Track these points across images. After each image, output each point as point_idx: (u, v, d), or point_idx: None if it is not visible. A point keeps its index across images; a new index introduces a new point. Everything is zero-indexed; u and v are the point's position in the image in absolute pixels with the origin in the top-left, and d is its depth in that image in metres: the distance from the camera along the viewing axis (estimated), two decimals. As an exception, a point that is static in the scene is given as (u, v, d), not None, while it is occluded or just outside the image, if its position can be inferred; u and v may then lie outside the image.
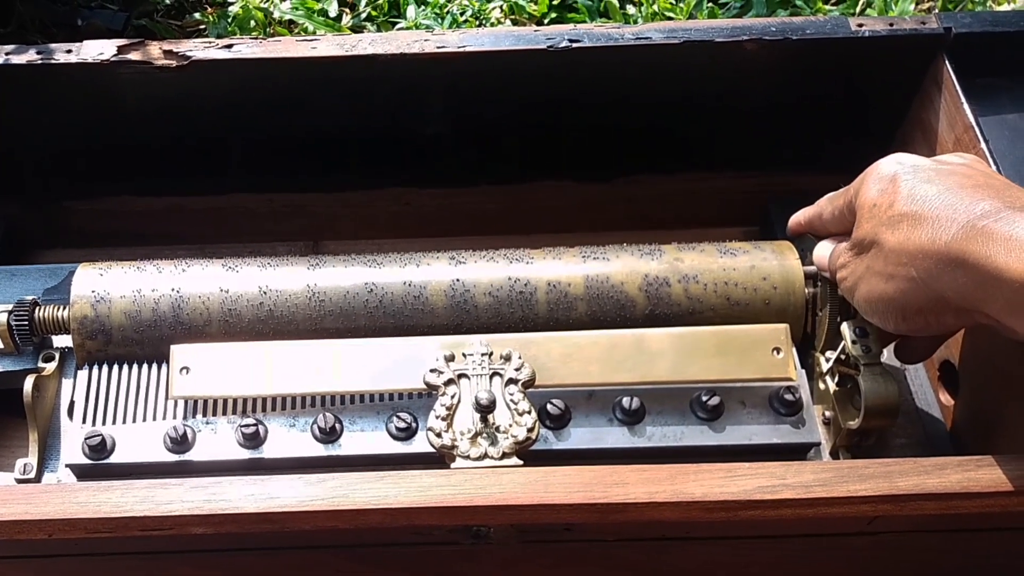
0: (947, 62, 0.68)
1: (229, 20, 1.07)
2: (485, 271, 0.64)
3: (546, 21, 1.06)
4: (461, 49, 0.68)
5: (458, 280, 0.64)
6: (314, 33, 1.04)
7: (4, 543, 0.49)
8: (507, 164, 0.76)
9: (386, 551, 0.54)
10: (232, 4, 1.08)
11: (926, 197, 0.51)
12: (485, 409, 0.56)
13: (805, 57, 0.70)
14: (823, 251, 0.62)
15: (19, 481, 0.61)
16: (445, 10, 1.07)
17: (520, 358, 0.59)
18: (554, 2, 1.07)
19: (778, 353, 0.61)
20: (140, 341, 0.63)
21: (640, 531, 0.52)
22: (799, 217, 0.64)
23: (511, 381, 0.59)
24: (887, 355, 0.61)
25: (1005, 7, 1.11)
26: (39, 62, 0.66)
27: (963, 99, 0.66)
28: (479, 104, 0.72)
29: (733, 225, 0.78)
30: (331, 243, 0.79)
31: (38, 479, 0.61)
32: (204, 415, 0.61)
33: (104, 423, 0.61)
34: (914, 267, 0.51)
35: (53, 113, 0.70)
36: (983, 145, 0.64)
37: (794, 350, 0.62)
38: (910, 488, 0.49)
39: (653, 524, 0.50)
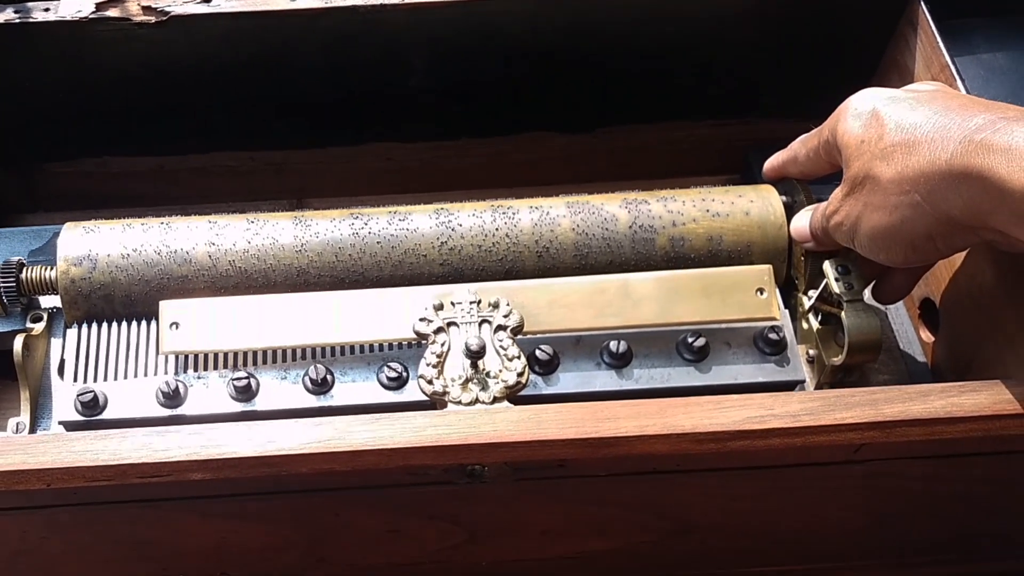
0: (922, 3, 0.69)
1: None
2: (468, 204, 0.66)
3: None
4: (443, -1, 0.68)
5: (442, 208, 0.65)
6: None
7: (3, 494, 0.49)
8: (489, 117, 0.76)
9: (382, 493, 0.54)
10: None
11: (916, 124, 0.51)
12: (475, 355, 0.57)
13: (781, 2, 0.70)
14: (801, 220, 0.62)
15: (12, 440, 0.61)
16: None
17: (508, 305, 0.60)
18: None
19: (762, 294, 0.62)
20: (126, 267, 0.62)
21: (632, 465, 0.53)
22: (773, 161, 0.65)
23: (500, 328, 0.59)
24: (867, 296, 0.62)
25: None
26: (17, 21, 0.66)
27: (939, 40, 0.67)
28: (461, 56, 0.72)
29: (714, 174, 0.79)
30: (314, 200, 0.79)
31: (31, 437, 0.61)
32: (195, 370, 0.61)
33: (95, 381, 0.61)
34: (917, 192, 0.51)
35: (32, 73, 0.70)
36: (959, 84, 0.65)
37: (777, 291, 0.63)
38: (895, 415, 0.50)
39: (644, 458, 0.51)
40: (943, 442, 0.51)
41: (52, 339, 0.64)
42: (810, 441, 0.50)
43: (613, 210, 0.65)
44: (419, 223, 0.64)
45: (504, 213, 0.65)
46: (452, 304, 0.60)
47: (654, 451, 0.50)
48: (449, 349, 0.58)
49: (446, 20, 0.69)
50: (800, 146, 0.62)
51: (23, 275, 0.63)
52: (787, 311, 0.64)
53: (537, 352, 0.61)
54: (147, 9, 0.67)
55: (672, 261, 0.64)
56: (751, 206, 0.65)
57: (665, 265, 0.64)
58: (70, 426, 0.60)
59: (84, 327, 0.63)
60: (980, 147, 0.48)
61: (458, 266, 0.64)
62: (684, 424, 0.50)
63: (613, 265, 0.64)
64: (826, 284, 0.61)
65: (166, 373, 0.61)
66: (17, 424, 0.62)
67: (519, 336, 0.59)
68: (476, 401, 0.57)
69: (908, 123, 0.52)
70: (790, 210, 0.65)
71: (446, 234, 0.64)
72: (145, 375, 0.61)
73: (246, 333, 0.60)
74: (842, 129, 0.56)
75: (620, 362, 0.62)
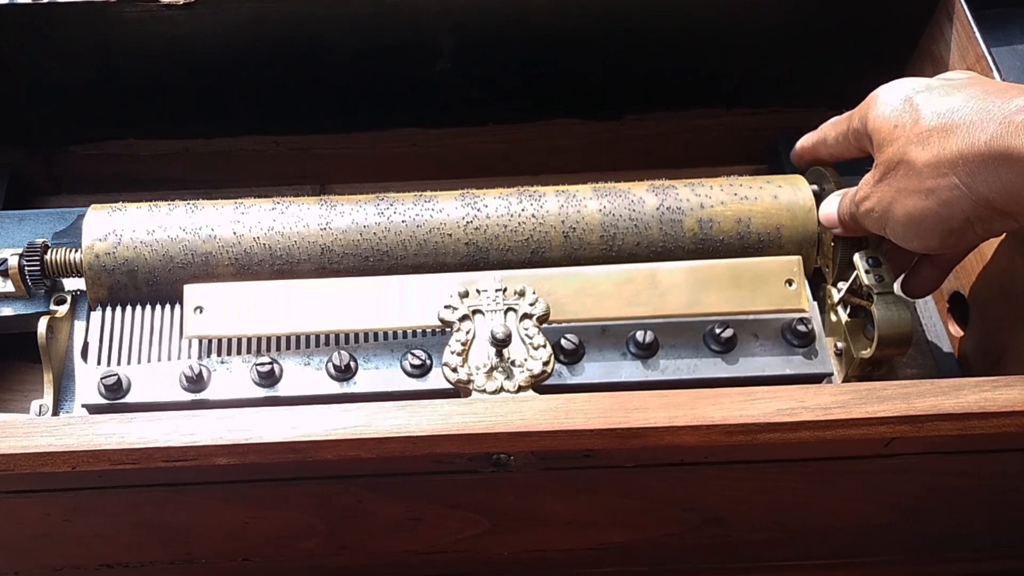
0: (958, -8, 0.68)
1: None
2: (494, 189, 0.66)
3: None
4: (469, -17, 0.67)
5: (468, 191, 0.65)
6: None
7: (28, 476, 0.49)
8: (514, 103, 0.76)
9: (407, 481, 0.54)
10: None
11: (952, 108, 0.51)
12: (501, 343, 0.57)
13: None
14: (829, 206, 0.61)
15: (36, 422, 0.61)
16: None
17: (534, 293, 0.59)
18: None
19: (791, 285, 0.62)
20: (151, 242, 0.62)
21: (659, 456, 0.52)
22: (804, 142, 0.65)
23: (526, 316, 0.59)
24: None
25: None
26: (44, 1, 0.66)
27: (975, 29, 0.66)
28: (487, 42, 0.71)
29: (742, 163, 0.78)
30: (338, 186, 0.79)
31: (54, 419, 0.61)
32: (219, 354, 0.61)
33: (118, 364, 0.61)
34: (955, 174, 0.50)
35: (58, 55, 0.70)
36: (996, 75, 0.64)
37: (806, 282, 0.63)
38: (927, 409, 0.49)
39: (672, 449, 0.51)
40: (974, 437, 0.50)
41: (76, 322, 0.64)
42: (841, 434, 0.49)
43: (640, 194, 0.65)
44: (445, 204, 0.64)
45: (531, 196, 0.65)
46: (477, 292, 0.59)
47: (683, 442, 0.49)
48: (474, 337, 0.58)
49: (472, 5, 0.68)
50: (830, 128, 0.62)
51: (47, 257, 0.63)
52: (815, 303, 0.64)
53: (563, 341, 0.60)
54: (174, -10, 0.66)
55: (701, 243, 0.64)
56: (779, 191, 0.65)
57: (693, 247, 0.64)
58: (93, 409, 0.60)
59: (108, 310, 0.63)
60: (1021, 128, 0.47)
61: (483, 246, 0.63)
62: (714, 415, 0.49)
63: (640, 247, 0.64)
64: (856, 276, 0.61)
65: (189, 357, 0.61)
66: (40, 406, 0.62)
67: (545, 325, 0.59)
68: (501, 390, 0.56)
69: (944, 108, 0.51)
70: (819, 199, 0.64)
71: (471, 214, 0.64)
72: (168, 359, 0.61)
73: (270, 318, 0.60)
74: (873, 116, 0.56)
75: (646, 352, 0.61)
